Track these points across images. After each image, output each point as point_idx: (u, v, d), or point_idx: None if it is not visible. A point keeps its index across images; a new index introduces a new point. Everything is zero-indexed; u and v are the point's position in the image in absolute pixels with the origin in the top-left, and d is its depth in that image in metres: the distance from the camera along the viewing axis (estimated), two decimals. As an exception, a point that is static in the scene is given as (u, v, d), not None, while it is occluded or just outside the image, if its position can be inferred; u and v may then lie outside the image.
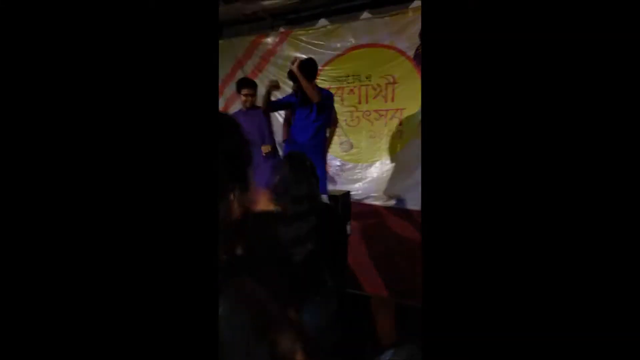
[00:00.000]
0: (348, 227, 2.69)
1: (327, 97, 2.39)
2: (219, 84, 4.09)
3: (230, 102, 4.05)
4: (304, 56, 2.55)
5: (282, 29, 3.91)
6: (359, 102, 3.60)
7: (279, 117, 3.48)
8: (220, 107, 2.94)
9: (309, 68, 2.27)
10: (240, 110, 2.59)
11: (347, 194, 2.88)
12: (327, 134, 2.57)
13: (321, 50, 3.63)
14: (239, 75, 3.93)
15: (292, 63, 2.26)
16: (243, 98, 2.51)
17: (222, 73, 4.14)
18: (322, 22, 3.71)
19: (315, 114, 2.35)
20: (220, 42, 4.19)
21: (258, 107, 2.54)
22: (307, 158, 1.02)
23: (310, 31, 3.72)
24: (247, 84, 2.52)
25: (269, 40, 3.91)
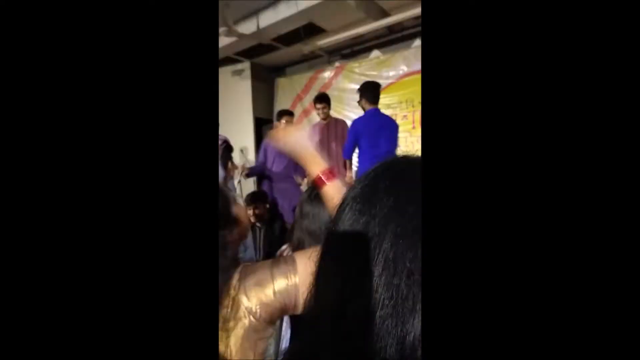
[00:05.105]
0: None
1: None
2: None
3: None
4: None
5: (337, 64, 4.16)
6: (413, 128, 3.60)
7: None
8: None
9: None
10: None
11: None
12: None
13: (374, 79, 3.76)
14: (299, 109, 4.25)
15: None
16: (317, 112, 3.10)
17: (285, 107, 4.51)
18: (375, 53, 3.87)
19: None
20: (282, 79, 4.60)
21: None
22: None
23: (363, 63, 3.90)
24: (321, 99, 3.07)
25: (325, 74, 4.17)
